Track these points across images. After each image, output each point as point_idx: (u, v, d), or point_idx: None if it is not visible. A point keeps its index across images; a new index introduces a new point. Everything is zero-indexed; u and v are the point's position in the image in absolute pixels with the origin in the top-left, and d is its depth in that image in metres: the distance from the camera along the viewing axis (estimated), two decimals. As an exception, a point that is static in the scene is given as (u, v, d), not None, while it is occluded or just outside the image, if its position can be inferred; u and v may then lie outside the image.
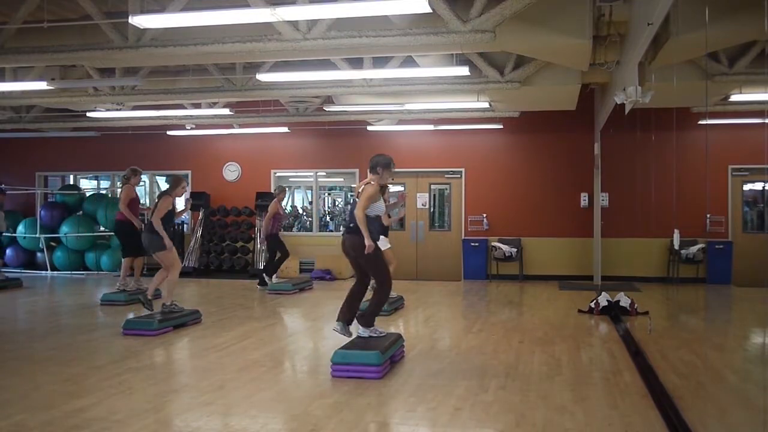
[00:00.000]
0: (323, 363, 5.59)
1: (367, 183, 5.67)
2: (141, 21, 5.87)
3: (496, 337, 6.95)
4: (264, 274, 10.77)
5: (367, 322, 5.71)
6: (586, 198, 12.19)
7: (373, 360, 5.18)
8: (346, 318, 5.74)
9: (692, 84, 7.86)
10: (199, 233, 13.52)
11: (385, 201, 8.58)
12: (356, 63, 8.54)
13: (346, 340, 5.81)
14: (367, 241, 5.44)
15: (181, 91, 9.82)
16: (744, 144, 10.70)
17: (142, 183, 14.83)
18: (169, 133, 13.58)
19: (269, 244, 10.85)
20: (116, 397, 4.72)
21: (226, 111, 11.35)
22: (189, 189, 8.62)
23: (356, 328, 5.76)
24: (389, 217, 8.52)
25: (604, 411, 4.44)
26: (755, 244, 10.90)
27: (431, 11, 5.62)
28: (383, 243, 8.67)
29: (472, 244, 12.43)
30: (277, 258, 10.77)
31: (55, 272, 13.41)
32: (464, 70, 7.78)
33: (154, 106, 11.39)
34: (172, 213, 7.66)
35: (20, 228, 13.68)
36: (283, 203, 13.89)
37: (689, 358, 6.51)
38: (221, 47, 6.52)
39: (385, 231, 8.59)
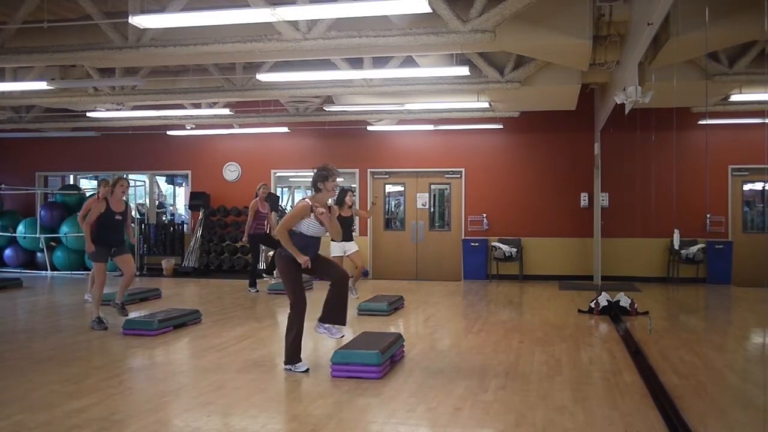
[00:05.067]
0: (323, 363, 5.59)
1: (305, 200, 5.48)
2: (141, 21, 5.87)
3: (496, 337, 6.95)
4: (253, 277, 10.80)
5: (286, 358, 5.46)
6: (586, 198, 12.19)
7: (373, 360, 5.18)
8: (330, 320, 5.54)
9: (692, 84, 7.85)
10: (199, 233, 13.51)
11: (347, 207, 8.62)
12: (356, 63, 8.54)
13: (346, 340, 5.82)
14: (300, 259, 5.31)
15: (181, 91, 9.82)
16: (744, 144, 10.69)
17: (141, 183, 14.85)
18: (169, 133, 13.58)
19: (252, 246, 10.89)
20: (116, 397, 4.72)
21: (226, 111, 11.35)
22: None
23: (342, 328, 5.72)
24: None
25: (604, 411, 4.44)
26: (755, 244, 10.89)
27: (431, 11, 5.62)
28: (337, 249, 8.69)
29: (472, 244, 12.43)
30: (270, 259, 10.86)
31: (55, 272, 13.41)
32: (464, 70, 7.78)
33: (154, 106, 11.40)
34: (108, 218, 7.27)
35: (20, 228, 13.69)
36: (284, 203, 13.93)
37: (689, 358, 6.51)
38: (221, 47, 6.52)
39: (348, 235, 8.61)
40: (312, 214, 5.38)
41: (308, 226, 5.41)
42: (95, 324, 7.26)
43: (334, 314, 5.52)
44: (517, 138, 12.61)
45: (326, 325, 5.53)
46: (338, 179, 5.70)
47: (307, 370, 5.43)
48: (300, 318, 5.47)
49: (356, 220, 12.26)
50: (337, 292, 5.55)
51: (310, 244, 5.48)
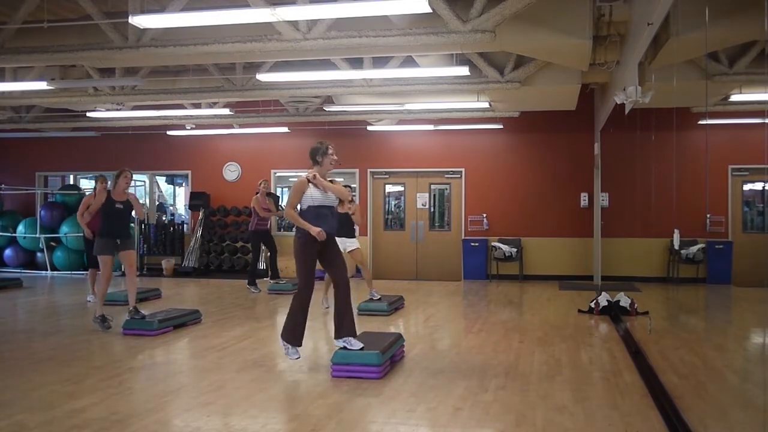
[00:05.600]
0: (323, 363, 5.60)
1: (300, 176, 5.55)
2: (141, 21, 5.87)
3: (496, 337, 6.95)
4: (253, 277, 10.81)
5: (285, 335, 5.49)
6: (586, 198, 12.19)
7: (373, 360, 5.18)
8: (343, 333, 5.46)
9: (692, 84, 7.86)
10: (199, 233, 13.52)
11: (347, 203, 8.50)
12: (356, 63, 8.54)
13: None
14: (314, 231, 5.27)
15: (181, 91, 9.82)
16: (744, 144, 10.70)
17: (141, 183, 14.86)
18: (169, 133, 13.59)
19: (253, 244, 11.02)
20: (116, 397, 4.72)
21: (226, 111, 11.35)
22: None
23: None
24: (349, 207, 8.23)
25: (604, 411, 4.44)
26: (755, 244, 10.90)
27: (431, 11, 5.62)
28: (340, 244, 8.64)
29: (472, 244, 12.43)
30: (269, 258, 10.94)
31: (55, 272, 13.41)
32: (464, 70, 7.78)
33: (154, 106, 11.40)
34: (109, 207, 7.16)
35: (20, 228, 13.69)
36: (284, 203, 13.93)
37: (689, 358, 6.51)
38: (221, 47, 6.52)
39: (350, 232, 8.55)
40: (310, 185, 5.42)
41: (312, 197, 5.43)
42: (98, 322, 7.21)
43: (344, 328, 5.45)
44: (517, 138, 12.61)
45: (344, 339, 5.44)
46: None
47: (298, 358, 5.48)
48: (305, 303, 5.46)
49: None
50: (340, 303, 5.53)
51: (321, 214, 5.44)
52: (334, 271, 5.61)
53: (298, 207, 5.54)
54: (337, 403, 4.59)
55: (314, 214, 5.42)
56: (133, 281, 7.40)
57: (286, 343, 5.49)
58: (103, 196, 7.25)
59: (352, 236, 8.66)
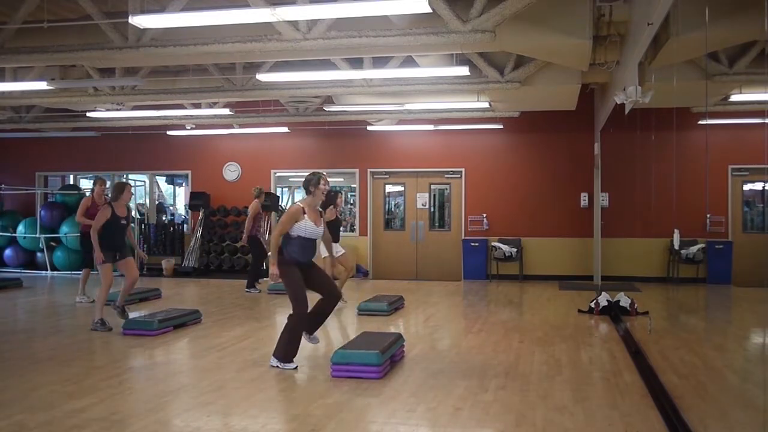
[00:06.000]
0: (323, 363, 5.59)
1: (297, 204, 5.66)
2: (141, 21, 5.87)
3: (496, 337, 6.95)
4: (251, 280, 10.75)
5: (278, 354, 5.56)
6: (586, 198, 12.19)
7: (373, 360, 5.18)
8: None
9: (692, 84, 7.86)
10: (199, 233, 13.52)
11: (337, 209, 8.58)
12: (356, 63, 8.54)
13: (346, 340, 5.82)
14: (272, 269, 5.43)
15: (181, 91, 9.81)
16: (744, 144, 10.70)
17: (141, 183, 14.88)
18: (169, 133, 13.58)
19: (251, 247, 10.87)
20: (116, 397, 4.72)
21: (226, 111, 11.35)
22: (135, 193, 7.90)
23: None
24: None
25: (604, 411, 4.44)
26: (755, 244, 10.90)
27: (431, 11, 5.62)
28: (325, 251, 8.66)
29: (472, 244, 12.43)
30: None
31: (55, 272, 13.41)
32: (464, 70, 7.78)
33: (154, 106, 11.40)
34: (113, 223, 7.25)
35: (20, 228, 13.69)
36: (284, 203, 13.94)
37: (689, 358, 6.52)
38: (221, 47, 6.52)
39: (337, 237, 8.56)
40: (305, 216, 5.47)
41: (304, 229, 5.48)
42: (99, 326, 7.20)
43: (312, 325, 5.73)
44: (517, 138, 12.61)
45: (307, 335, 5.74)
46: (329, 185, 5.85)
47: (296, 368, 5.49)
48: (302, 320, 5.54)
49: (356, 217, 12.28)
50: (324, 308, 5.72)
51: (306, 247, 5.57)
52: (322, 290, 5.73)
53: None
54: (337, 403, 4.60)
55: (301, 244, 5.50)
56: (131, 284, 7.42)
57: (277, 364, 5.53)
58: (108, 212, 7.25)
59: (338, 241, 8.71)
